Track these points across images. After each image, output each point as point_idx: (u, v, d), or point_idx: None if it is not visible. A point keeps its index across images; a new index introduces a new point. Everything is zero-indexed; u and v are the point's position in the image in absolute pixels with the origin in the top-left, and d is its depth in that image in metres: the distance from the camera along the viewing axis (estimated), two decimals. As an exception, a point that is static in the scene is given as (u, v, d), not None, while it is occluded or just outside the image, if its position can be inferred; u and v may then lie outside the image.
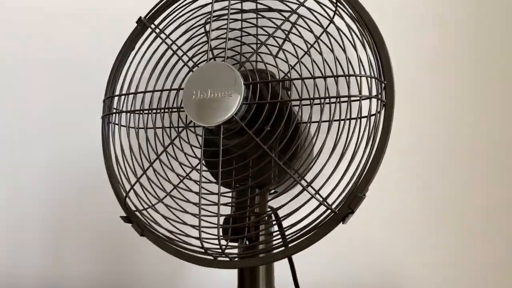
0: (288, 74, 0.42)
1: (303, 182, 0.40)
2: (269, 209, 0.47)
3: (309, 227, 0.40)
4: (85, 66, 0.73)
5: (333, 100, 0.40)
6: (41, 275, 0.77)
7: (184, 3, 0.49)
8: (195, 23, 0.49)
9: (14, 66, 0.77)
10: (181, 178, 0.43)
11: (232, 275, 0.58)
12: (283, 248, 0.40)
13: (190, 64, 0.47)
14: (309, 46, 0.42)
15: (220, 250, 0.41)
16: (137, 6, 0.55)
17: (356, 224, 0.52)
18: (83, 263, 0.75)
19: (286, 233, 0.41)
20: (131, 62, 0.50)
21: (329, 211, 0.39)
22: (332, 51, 0.41)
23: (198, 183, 0.41)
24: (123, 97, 0.48)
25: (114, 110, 0.48)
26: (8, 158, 0.77)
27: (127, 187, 0.46)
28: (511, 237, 0.70)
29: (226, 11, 0.44)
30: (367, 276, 0.68)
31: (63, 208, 0.76)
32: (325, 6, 0.44)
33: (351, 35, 0.42)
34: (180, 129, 0.47)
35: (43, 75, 0.75)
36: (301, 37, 0.43)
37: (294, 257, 0.58)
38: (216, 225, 0.40)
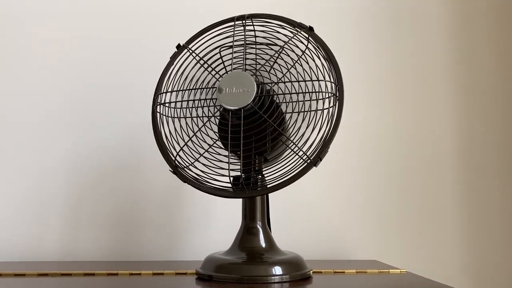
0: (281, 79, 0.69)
1: (292, 145, 0.67)
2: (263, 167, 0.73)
3: (293, 171, 0.67)
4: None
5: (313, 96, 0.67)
6: (61, 248, 0.96)
7: (208, 33, 0.75)
8: (215, 47, 0.75)
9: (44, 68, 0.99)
10: (211, 143, 0.69)
11: (216, 241, 0.86)
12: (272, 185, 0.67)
13: (215, 74, 0.73)
14: (291, 64, 0.69)
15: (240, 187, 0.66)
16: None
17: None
18: (96, 238, 0.96)
19: (272, 177, 0.67)
20: (171, 72, 0.75)
21: (307, 161, 0.66)
22: (308, 67, 0.69)
23: (228, 149, 0.66)
24: (167, 95, 0.73)
25: (166, 104, 0.72)
26: (35, 146, 0.97)
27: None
28: (426, 199, 1.02)
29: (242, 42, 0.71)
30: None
31: (80, 192, 0.97)
32: (302, 43, 0.72)
33: (319, 59, 0.70)
34: (215, 110, 0.71)
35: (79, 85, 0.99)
36: (292, 58, 0.70)
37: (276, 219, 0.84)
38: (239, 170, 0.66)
